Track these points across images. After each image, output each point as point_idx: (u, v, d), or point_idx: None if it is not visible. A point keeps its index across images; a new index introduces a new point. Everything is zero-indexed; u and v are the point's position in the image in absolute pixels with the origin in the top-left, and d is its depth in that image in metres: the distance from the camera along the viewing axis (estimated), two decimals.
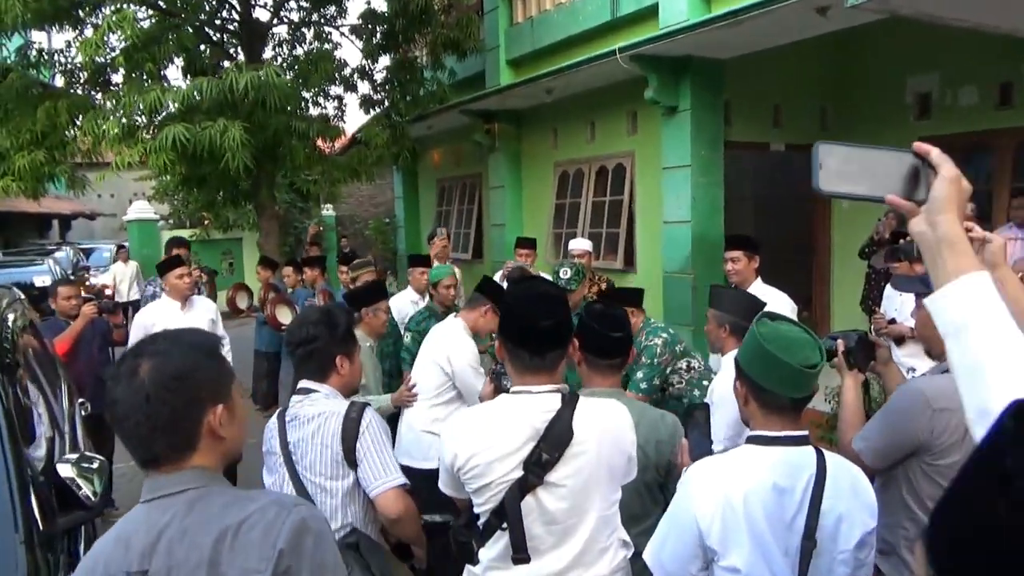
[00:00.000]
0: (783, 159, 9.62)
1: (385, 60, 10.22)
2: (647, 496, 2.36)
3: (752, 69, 7.40)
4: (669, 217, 7.33)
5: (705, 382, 3.81)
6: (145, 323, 4.87)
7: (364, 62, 9.55)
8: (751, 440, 1.83)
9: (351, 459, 2.23)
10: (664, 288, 7.38)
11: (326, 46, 9.19)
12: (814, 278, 8.86)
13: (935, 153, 1.15)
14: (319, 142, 9.09)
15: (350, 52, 38.26)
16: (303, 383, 2.37)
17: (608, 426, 1.95)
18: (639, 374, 3.68)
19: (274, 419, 2.38)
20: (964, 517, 0.63)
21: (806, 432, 1.81)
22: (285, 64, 9.05)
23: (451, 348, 3.82)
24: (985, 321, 1.03)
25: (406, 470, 2.40)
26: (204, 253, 14.09)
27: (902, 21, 6.27)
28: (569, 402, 1.91)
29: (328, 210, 16.65)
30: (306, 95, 8.93)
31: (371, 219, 16.60)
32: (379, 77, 9.87)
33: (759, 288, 4.56)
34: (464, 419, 2.02)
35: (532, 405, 1.90)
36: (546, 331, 1.90)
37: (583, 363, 2.41)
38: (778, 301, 4.16)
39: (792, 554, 1.71)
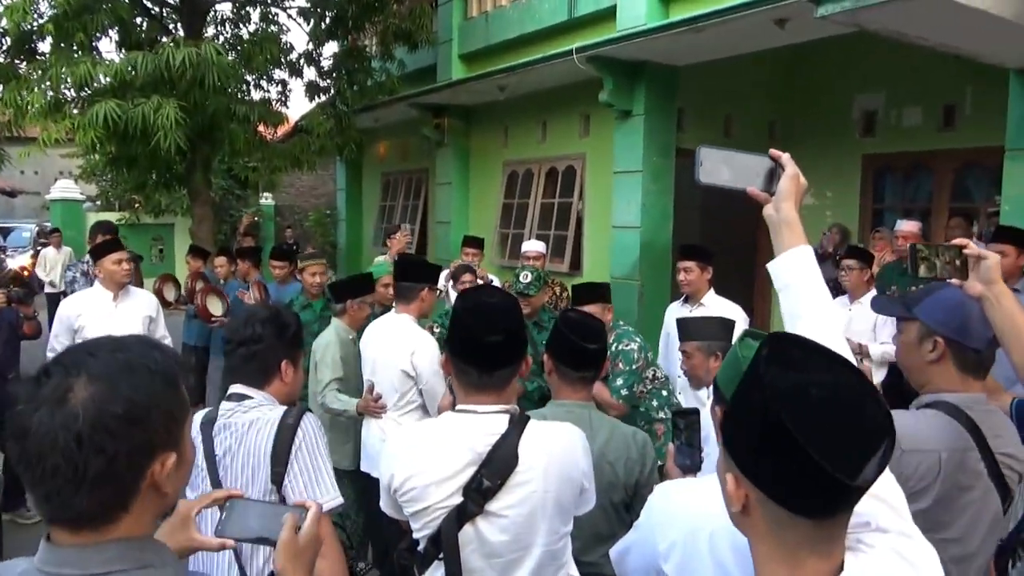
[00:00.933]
0: None
1: (333, 47, 9.92)
2: (614, 516, 2.22)
3: (705, 78, 7.41)
4: (618, 222, 7.27)
5: (664, 392, 3.71)
6: (69, 315, 4.30)
7: (311, 47, 9.23)
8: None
9: (277, 472, 1.94)
10: (613, 294, 7.29)
11: (272, 28, 8.83)
12: (755, 288, 8.93)
13: (785, 157, 1.45)
14: (260, 127, 8.71)
15: (297, 37, 37.37)
16: (237, 387, 2.08)
17: (558, 453, 1.77)
18: (619, 381, 3.50)
19: (196, 426, 2.02)
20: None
21: (509, 408, 1.85)
22: (228, 44, 8.66)
23: (414, 348, 3.50)
24: (804, 282, 1.40)
25: (372, 480, 2.17)
26: (133, 238, 13.46)
27: (852, 39, 6.34)
28: (517, 425, 1.74)
29: (267, 199, 16.15)
30: (248, 77, 8.57)
31: (311, 210, 16.16)
32: (326, 64, 9.56)
33: (712, 299, 4.50)
34: (404, 436, 1.87)
35: (476, 426, 1.74)
36: (494, 347, 1.73)
37: (554, 373, 2.26)
38: (731, 313, 4.09)
39: None
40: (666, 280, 7.27)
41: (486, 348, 1.74)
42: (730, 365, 1.69)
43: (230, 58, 7.46)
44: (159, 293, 6.13)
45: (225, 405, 2.08)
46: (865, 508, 1.01)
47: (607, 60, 6.79)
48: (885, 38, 4.03)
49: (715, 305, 4.31)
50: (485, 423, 1.74)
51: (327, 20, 9.00)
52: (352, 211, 13.73)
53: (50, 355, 3.61)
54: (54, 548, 1.00)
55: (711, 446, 2.39)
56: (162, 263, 14.15)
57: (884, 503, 1.10)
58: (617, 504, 2.22)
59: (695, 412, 1.82)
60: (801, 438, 0.87)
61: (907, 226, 5.69)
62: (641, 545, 1.60)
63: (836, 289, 6.55)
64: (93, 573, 0.97)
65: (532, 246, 6.74)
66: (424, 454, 1.75)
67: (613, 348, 3.52)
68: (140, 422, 0.98)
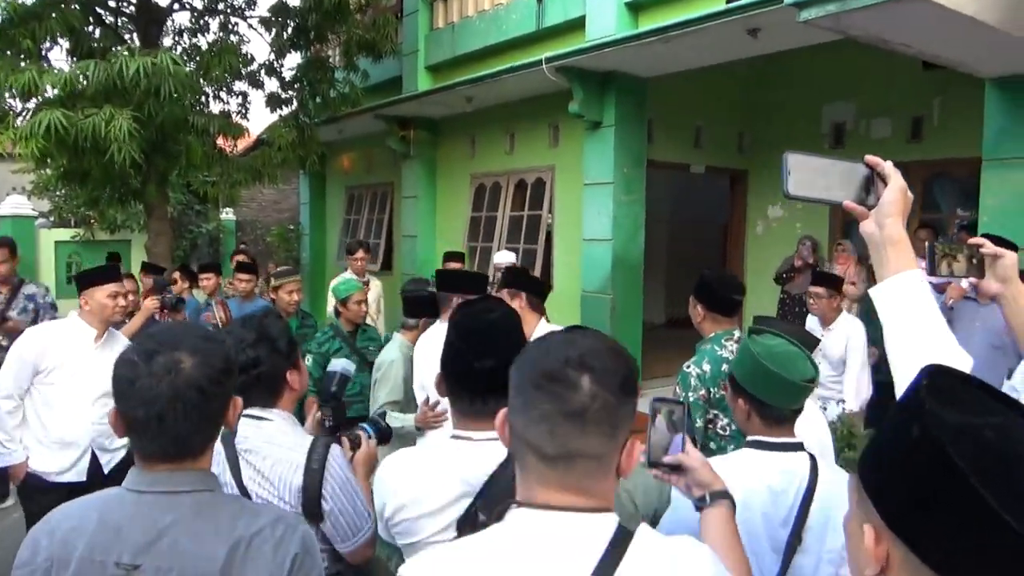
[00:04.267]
0: (697, 181, 9.68)
1: (295, 58, 9.68)
2: None
3: (675, 89, 7.35)
4: (589, 235, 7.14)
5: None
6: (33, 353, 3.49)
7: (272, 58, 8.98)
8: (751, 444, 1.92)
9: (315, 512, 1.91)
10: (582, 307, 7.17)
11: (231, 38, 8.57)
12: None
13: (886, 166, 1.29)
14: (219, 140, 8.43)
15: (258, 47, 36.85)
16: (251, 410, 1.97)
17: None
18: None
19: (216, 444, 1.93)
20: (887, 443, 0.82)
21: (801, 440, 1.91)
22: (186, 54, 8.38)
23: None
24: (920, 313, 1.25)
25: None
26: (88, 255, 13.03)
27: (821, 50, 6.32)
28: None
29: (228, 214, 15.76)
30: (207, 88, 8.29)
31: (274, 225, 15.81)
32: (288, 75, 9.31)
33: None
34: (396, 462, 1.67)
35: (470, 455, 1.56)
36: (486, 374, 1.53)
37: None
38: (856, 330, 4.91)
39: (779, 550, 1.82)
40: (638, 294, 7.16)
41: (477, 375, 1.55)
42: (744, 361, 1.91)
43: (188, 68, 7.19)
44: None
45: (245, 422, 1.95)
46: None
47: (576, 70, 6.68)
48: (864, 45, 3.99)
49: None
50: (480, 452, 1.55)
51: (289, 30, 8.77)
52: (316, 225, 13.44)
53: None
54: (146, 473, 1.39)
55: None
56: None
57: None
58: None
59: (680, 402, 1.52)
60: (981, 486, 0.69)
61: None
62: (678, 517, 1.70)
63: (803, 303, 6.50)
64: (177, 490, 1.38)
65: (503, 257, 6.63)
66: (415, 483, 1.57)
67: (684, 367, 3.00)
68: (232, 373, 1.47)
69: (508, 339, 1.58)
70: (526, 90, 7.71)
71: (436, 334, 3.53)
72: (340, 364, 2.59)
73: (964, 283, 4.14)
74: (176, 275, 6.34)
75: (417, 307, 4.04)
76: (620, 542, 1.07)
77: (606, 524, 1.08)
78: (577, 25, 7.06)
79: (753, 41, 5.44)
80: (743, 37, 5.43)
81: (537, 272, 7.95)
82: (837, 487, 1.81)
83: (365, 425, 2.39)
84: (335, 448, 1.97)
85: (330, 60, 9.79)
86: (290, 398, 2.06)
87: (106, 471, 3.59)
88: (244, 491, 1.89)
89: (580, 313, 7.17)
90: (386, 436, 2.44)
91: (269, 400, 2.00)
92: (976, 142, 6.46)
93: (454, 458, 1.57)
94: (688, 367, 2.90)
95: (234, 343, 1.95)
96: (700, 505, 1.47)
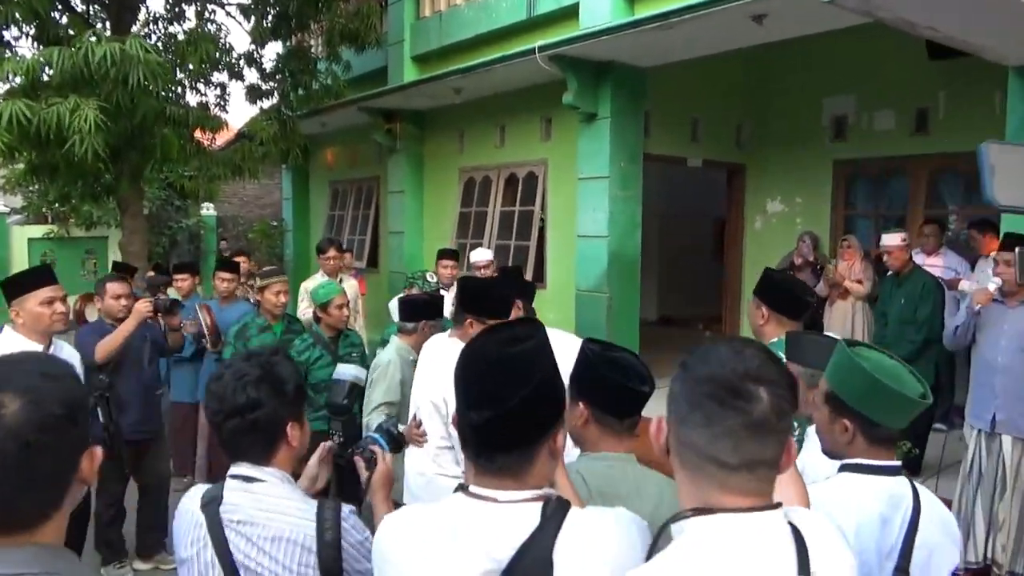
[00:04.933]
0: (690, 174, 9.43)
1: (276, 48, 9.33)
2: None
3: (672, 80, 7.08)
4: (584, 231, 6.87)
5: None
6: None
7: (252, 48, 8.62)
8: (851, 468, 1.73)
9: None
10: (577, 306, 6.90)
11: (209, 27, 8.20)
12: (725, 296, 8.62)
13: None
14: (197, 133, 8.07)
15: (237, 37, 36.19)
16: (240, 468, 1.68)
17: (612, 558, 1.23)
18: None
19: (194, 510, 1.67)
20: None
21: (900, 462, 1.77)
22: (161, 43, 8.01)
23: (448, 386, 3.07)
24: None
25: None
26: (63, 253, 12.64)
27: (823, 40, 6.07)
28: (552, 518, 1.22)
29: (208, 210, 15.36)
30: (182, 77, 7.92)
31: (256, 221, 15.42)
32: (269, 66, 8.96)
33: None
34: (399, 526, 1.33)
35: (494, 522, 1.23)
36: (488, 427, 1.22)
37: (590, 423, 1.78)
38: None
39: None
40: (635, 292, 6.90)
41: (478, 429, 1.23)
42: (852, 376, 1.69)
43: (162, 58, 6.84)
44: (81, 313, 5.50)
45: (231, 485, 1.67)
46: None
47: (571, 60, 6.39)
48: (866, 36, 3.77)
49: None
50: (508, 518, 1.22)
51: (269, 19, 8.42)
52: (299, 221, 13.09)
53: None
54: None
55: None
56: (96, 279, 13.26)
57: None
58: None
59: None
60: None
61: (893, 239, 5.35)
62: None
63: (819, 300, 6.26)
64: (8, 573, 1.05)
65: (481, 255, 6.36)
66: (426, 558, 1.24)
67: None
68: (76, 415, 1.12)
69: (525, 377, 1.22)
70: (517, 81, 7.42)
71: (441, 346, 3.27)
72: (350, 371, 2.30)
73: (991, 286, 3.90)
74: (151, 274, 6.01)
75: (414, 310, 3.81)
76: (798, 534, 1.14)
77: (780, 519, 1.14)
78: (570, 13, 6.77)
79: (757, 28, 5.18)
80: (747, 24, 5.16)
81: (529, 270, 7.68)
82: (939, 515, 1.73)
83: (376, 435, 2.11)
84: (345, 511, 1.68)
85: (312, 50, 9.46)
86: (287, 456, 1.74)
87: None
88: (234, 571, 1.60)
89: (575, 312, 6.90)
90: (400, 444, 2.19)
91: (263, 455, 1.69)
92: (985, 135, 6.26)
93: (476, 526, 1.23)
94: None
95: (232, 379, 1.68)
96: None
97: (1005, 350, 3.90)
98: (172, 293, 5.49)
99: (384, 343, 4.28)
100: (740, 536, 1.10)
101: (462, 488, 1.29)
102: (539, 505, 1.23)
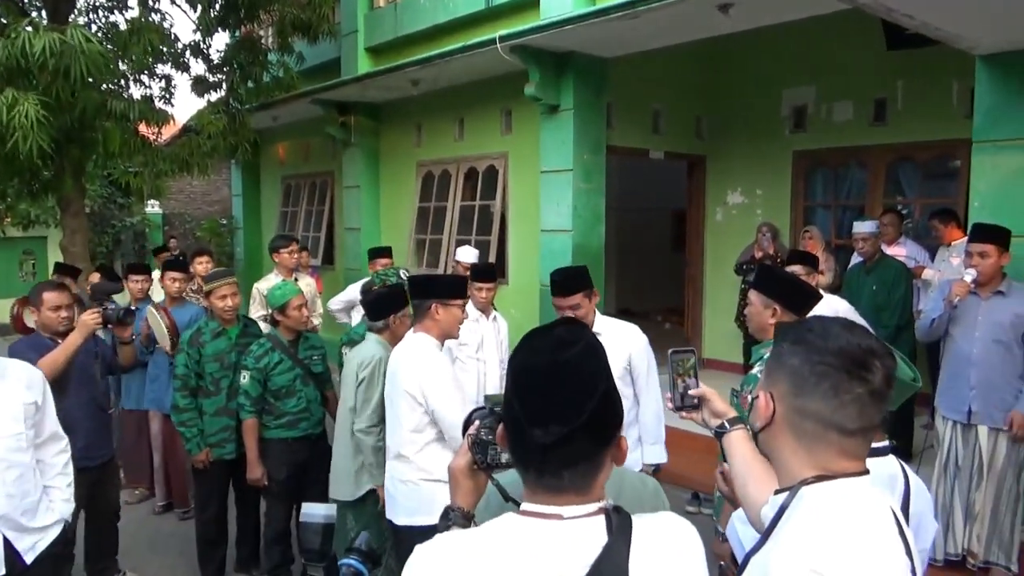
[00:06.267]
0: (648, 166, 9.41)
1: (224, 38, 8.99)
2: None
3: (633, 72, 7.02)
4: (547, 225, 6.76)
5: None
6: None
7: (198, 38, 8.28)
8: None
9: None
10: (541, 302, 6.78)
11: (153, 16, 7.83)
12: (687, 288, 8.61)
13: None
14: (141, 127, 7.71)
15: (183, 27, 35.08)
16: None
17: (682, 567, 1.14)
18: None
19: None
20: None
21: (888, 443, 1.85)
22: (102, 32, 7.62)
23: (422, 368, 2.99)
24: None
25: (407, 530, 2.24)
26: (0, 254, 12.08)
27: (783, 32, 6.07)
28: (620, 532, 1.10)
29: (153, 207, 14.86)
30: (125, 69, 7.55)
31: (204, 218, 14.97)
32: (216, 57, 8.62)
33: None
34: (439, 559, 1.13)
35: (563, 540, 1.09)
36: (553, 447, 1.09)
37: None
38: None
39: None
40: (599, 286, 6.79)
41: (545, 448, 1.09)
42: None
43: (103, 48, 6.50)
44: (18, 320, 5.16)
45: None
46: None
47: (533, 51, 6.27)
48: (826, 28, 3.72)
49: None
50: (575, 534, 1.10)
51: (216, 8, 8.09)
52: (250, 218, 12.71)
53: None
54: None
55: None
56: (35, 280, 12.71)
57: None
58: None
59: (691, 350, 1.75)
60: None
61: (866, 227, 5.38)
62: None
63: None
64: None
65: (467, 255, 6.17)
66: None
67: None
68: None
69: (587, 389, 1.11)
70: (477, 72, 7.26)
71: (408, 339, 3.17)
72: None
73: (967, 277, 3.89)
74: (95, 276, 5.69)
75: (379, 307, 3.70)
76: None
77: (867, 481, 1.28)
78: (531, 3, 6.63)
79: (723, 18, 5.12)
80: (713, 13, 5.10)
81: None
82: (920, 486, 1.82)
83: (352, 562, 1.87)
84: None
85: (262, 41, 9.13)
86: None
87: (27, 560, 2.67)
88: None
89: (539, 307, 6.79)
90: (378, 559, 1.96)
91: None
92: (942, 125, 6.35)
93: (542, 546, 1.10)
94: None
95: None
96: (720, 432, 1.65)
97: (979, 341, 3.91)
98: (119, 299, 5.18)
99: (352, 342, 4.09)
100: (863, 498, 1.22)
101: (515, 507, 1.16)
102: (603, 519, 1.12)
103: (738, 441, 1.63)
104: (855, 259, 6.43)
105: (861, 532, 1.17)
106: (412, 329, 3.20)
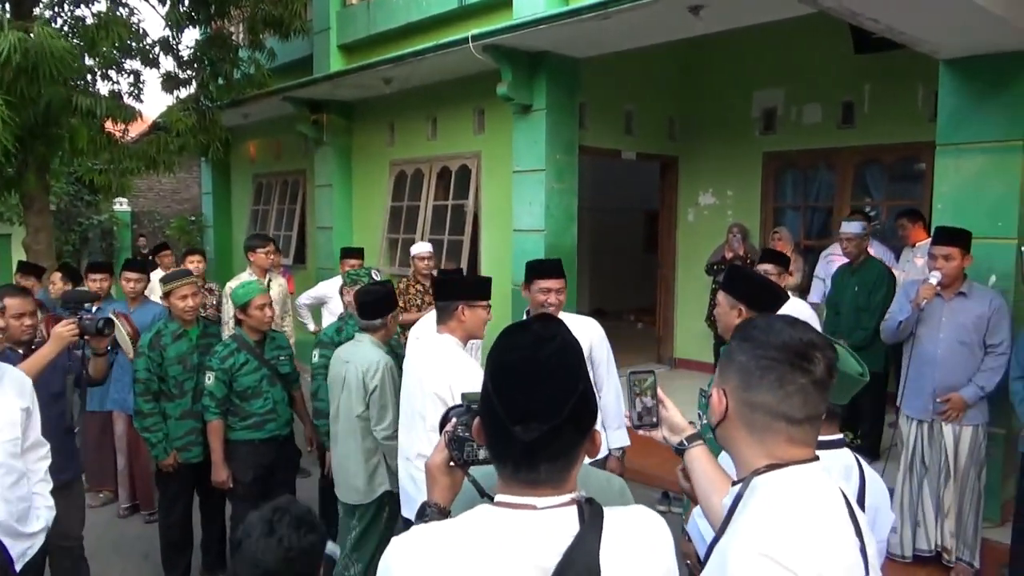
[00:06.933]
0: (620, 167, 9.45)
1: (194, 34, 8.87)
2: None
3: (606, 72, 7.04)
4: (520, 225, 6.75)
5: None
6: None
7: (168, 33, 8.16)
8: None
9: None
10: (513, 303, 6.78)
11: (121, 10, 7.70)
12: (658, 289, 8.65)
13: None
14: (108, 124, 7.58)
15: (152, 22, 34.53)
16: None
17: (652, 559, 1.16)
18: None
19: None
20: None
21: (842, 436, 1.89)
22: (68, 27, 7.48)
23: (454, 375, 2.92)
24: None
25: None
26: None
27: (753, 34, 6.12)
28: (592, 522, 1.12)
29: (121, 205, 14.62)
30: (92, 64, 7.43)
31: (174, 217, 14.77)
32: (186, 53, 8.51)
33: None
34: (420, 546, 1.16)
35: (536, 530, 1.12)
36: (533, 443, 1.11)
37: None
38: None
39: None
40: (572, 285, 6.81)
41: (525, 444, 1.11)
42: None
43: (70, 43, 6.37)
44: None
45: None
46: None
47: (506, 50, 6.26)
48: (795, 30, 3.74)
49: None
50: (548, 523, 1.12)
51: (186, 3, 7.98)
52: (220, 217, 12.56)
53: None
54: None
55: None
56: None
57: None
58: None
59: (650, 371, 1.75)
60: None
61: (853, 227, 5.38)
62: None
63: None
64: None
65: (422, 248, 6.23)
66: None
67: None
68: None
69: (571, 389, 1.12)
70: (450, 71, 7.24)
71: (435, 341, 3.13)
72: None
73: (932, 280, 3.94)
74: (56, 276, 5.58)
75: (377, 307, 3.69)
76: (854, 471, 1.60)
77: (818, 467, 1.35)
78: (503, 3, 6.62)
79: (694, 20, 5.15)
80: (684, 15, 5.13)
81: (464, 265, 7.52)
82: (875, 479, 1.85)
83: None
84: None
85: (233, 37, 9.04)
86: None
87: (18, 567, 2.61)
88: None
89: (511, 308, 6.78)
90: None
91: None
92: (908, 128, 6.44)
93: (516, 535, 1.11)
94: None
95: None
96: (680, 449, 1.68)
97: (943, 342, 3.97)
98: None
99: (334, 343, 4.03)
100: (813, 483, 1.28)
101: (487, 500, 1.19)
102: (575, 509, 1.14)
103: (698, 456, 1.66)
104: (823, 260, 6.52)
105: (810, 516, 1.22)
106: (436, 330, 3.16)
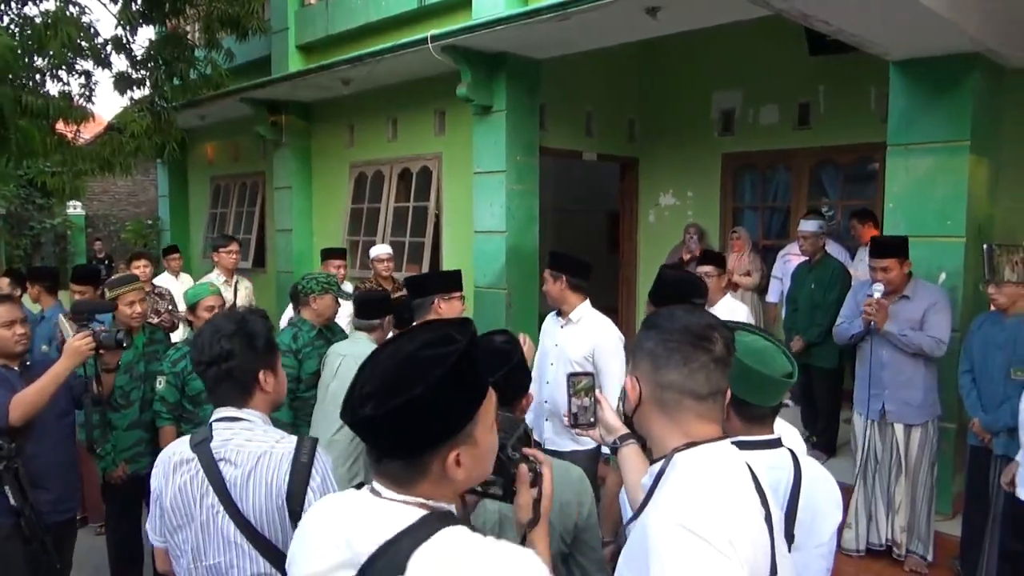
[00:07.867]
0: (580, 168, 9.48)
1: (148, 33, 8.70)
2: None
3: (566, 74, 7.05)
4: (481, 226, 6.74)
5: None
6: None
7: (121, 32, 7.98)
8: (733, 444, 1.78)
9: (295, 511, 1.81)
10: (475, 303, 6.76)
11: (71, 8, 7.51)
12: (620, 289, 8.70)
13: None
14: (60, 125, 7.40)
15: (104, 21, 33.78)
16: (223, 411, 1.94)
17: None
18: None
19: (184, 449, 1.89)
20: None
21: (779, 435, 1.86)
22: (15, 25, 7.28)
23: None
24: None
25: None
26: None
27: (711, 36, 6.18)
28: (423, 526, 1.14)
29: (75, 209, 14.29)
30: (41, 64, 7.23)
31: (129, 220, 14.47)
32: (140, 53, 8.33)
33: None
34: (316, 507, 1.35)
35: (368, 515, 1.19)
36: (368, 424, 1.18)
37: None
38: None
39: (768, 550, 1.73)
40: (534, 288, 6.81)
41: (359, 424, 1.18)
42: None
43: (17, 42, 6.21)
44: None
45: (219, 426, 1.91)
46: None
47: (465, 51, 6.24)
48: (753, 32, 3.80)
49: (724, 307, 4.21)
50: (380, 512, 1.18)
51: (139, 1, 7.81)
52: (177, 220, 12.33)
53: None
54: None
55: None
56: None
57: None
58: (554, 556, 1.70)
59: (589, 373, 1.86)
60: None
61: (811, 226, 5.57)
62: None
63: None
64: None
65: (381, 250, 6.23)
66: (300, 537, 1.29)
67: None
68: None
69: (419, 376, 1.14)
70: (409, 72, 7.20)
71: None
72: None
73: (876, 294, 4.02)
74: (4, 282, 5.42)
75: (377, 308, 3.89)
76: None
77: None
78: (463, 3, 6.60)
79: (651, 21, 5.18)
80: (642, 17, 5.16)
81: (426, 266, 7.49)
82: (820, 480, 1.83)
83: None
84: (321, 452, 1.90)
85: (189, 37, 8.87)
86: (264, 401, 1.98)
87: None
88: (229, 500, 1.80)
89: (474, 308, 6.75)
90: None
91: (241, 399, 1.94)
92: (861, 129, 6.56)
93: (349, 514, 1.21)
94: None
95: (210, 333, 1.94)
96: (615, 447, 1.76)
97: (890, 344, 4.05)
98: (27, 302, 4.91)
99: (292, 350, 3.96)
100: (724, 459, 1.38)
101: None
102: (421, 512, 1.16)
103: (630, 455, 1.75)
104: (780, 259, 6.61)
105: (721, 489, 1.31)
106: (416, 323, 3.15)
